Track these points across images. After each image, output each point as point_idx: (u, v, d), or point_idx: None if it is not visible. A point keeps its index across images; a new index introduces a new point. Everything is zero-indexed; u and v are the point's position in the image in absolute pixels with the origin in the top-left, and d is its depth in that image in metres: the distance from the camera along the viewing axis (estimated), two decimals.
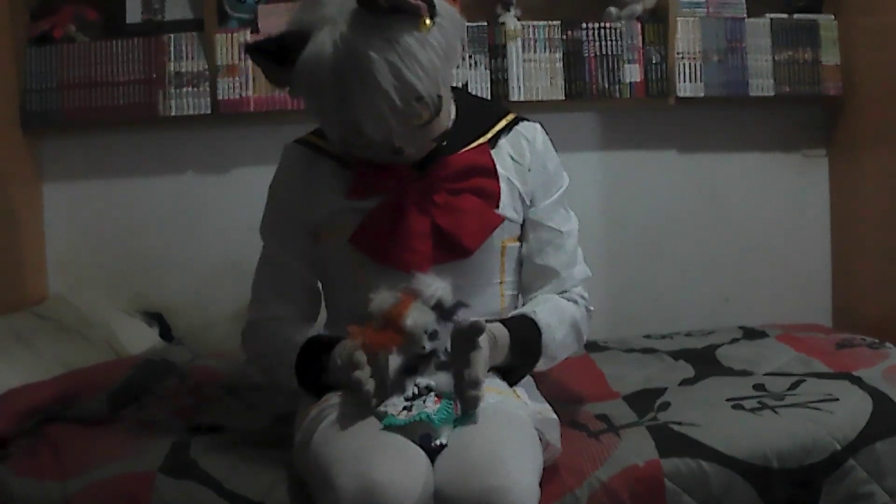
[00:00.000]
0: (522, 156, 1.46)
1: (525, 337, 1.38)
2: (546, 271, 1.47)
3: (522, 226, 1.48)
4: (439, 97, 1.27)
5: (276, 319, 1.45)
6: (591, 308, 1.51)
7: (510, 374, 1.39)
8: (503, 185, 1.42)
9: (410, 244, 1.35)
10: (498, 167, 1.42)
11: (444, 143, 1.38)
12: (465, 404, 1.21)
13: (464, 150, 1.40)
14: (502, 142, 1.46)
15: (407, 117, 1.24)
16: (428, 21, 1.21)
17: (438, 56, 1.24)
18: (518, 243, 1.48)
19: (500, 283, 1.46)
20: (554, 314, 1.43)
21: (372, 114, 1.22)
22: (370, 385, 1.20)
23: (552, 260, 1.47)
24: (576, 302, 1.48)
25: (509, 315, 1.43)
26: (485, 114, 1.47)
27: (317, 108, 1.28)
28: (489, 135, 1.44)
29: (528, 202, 1.46)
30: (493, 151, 1.43)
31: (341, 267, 1.43)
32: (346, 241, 1.38)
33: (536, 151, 1.47)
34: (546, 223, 1.47)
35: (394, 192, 1.37)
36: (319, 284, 1.51)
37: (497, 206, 1.41)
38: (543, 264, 1.47)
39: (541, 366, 1.43)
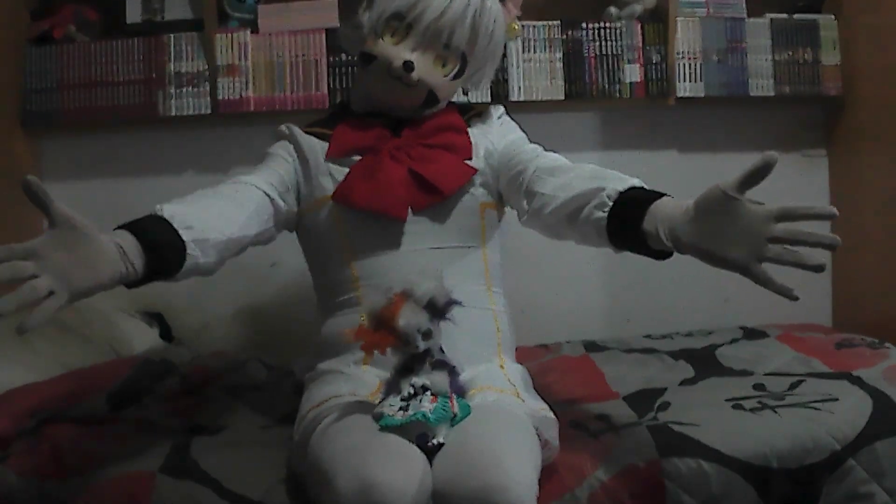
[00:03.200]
0: (489, 125, 1.59)
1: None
2: (556, 170, 1.41)
3: (500, 196, 1.55)
4: (462, 70, 1.48)
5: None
6: None
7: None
8: (477, 149, 1.54)
9: (390, 190, 1.44)
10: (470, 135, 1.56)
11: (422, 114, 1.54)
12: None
13: (433, 112, 1.55)
14: (472, 123, 1.60)
15: (437, 63, 1.46)
16: (516, 25, 1.54)
17: (498, 48, 1.53)
18: (496, 210, 1.55)
19: (483, 247, 1.51)
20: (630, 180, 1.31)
21: (441, 11, 1.41)
22: None
23: (550, 161, 1.46)
24: None
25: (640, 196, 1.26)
26: (461, 105, 1.64)
27: None
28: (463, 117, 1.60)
29: (497, 161, 1.54)
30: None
31: (327, 233, 1.49)
32: (329, 199, 1.47)
33: (497, 115, 1.63)
34: (531, 156, 1.49)
35: (372, 149, 1.49)
36: (310, 277, 1.58)
37: (468, 156, 1.52)
38: (550, 166, 1.43)
39: None
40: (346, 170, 1.50)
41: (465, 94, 1.77)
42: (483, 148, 1.55)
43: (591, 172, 1.35)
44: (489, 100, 2.26)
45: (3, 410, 1.57)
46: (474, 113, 1.63)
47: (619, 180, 1.27)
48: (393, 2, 1.45)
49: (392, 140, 1.51)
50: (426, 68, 1.46)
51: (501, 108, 1.66)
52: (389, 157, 1.48)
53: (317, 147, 1.55)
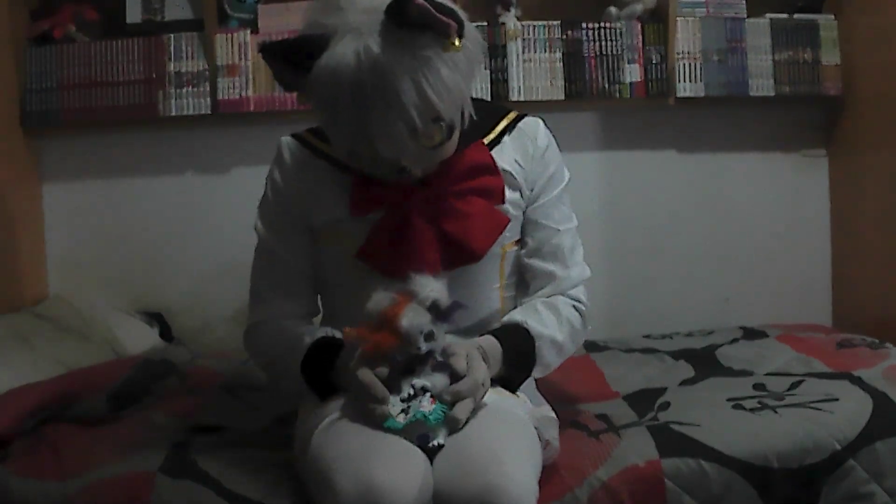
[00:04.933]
0: (525, 156, 1.43)
1: (518, 347, 1.36)
2: (543, 273, 1.44)
3: (522, 225, 1.46)
4: (452, 125, 1.26)
5: (279, 319, 1.44)
6: (586, 310, 1.47)
7: (506, 383, 1.36)
8: (507, 184, 1.40)
9: (418, 255, 1.31)
10: (502, 165, 1.39)
11: None
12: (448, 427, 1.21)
13: (463, 150, 1.36)
14: (506, 140, 1.43)
15: (422, 138, 1.22)
16: (457, 41, 1.18)
17: (463, 78, 1.22)
18: (517, 247, 1.46)
19: (500, 286, 1.45)
20: (548, 321, 1.40)
21: (388, 132, 1.19)
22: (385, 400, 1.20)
23: (550, 262, 1.44)
24: (572, 305, 1.45)
25: (502, 322, 1.41)
26: (486, 114, 1.40)
27: (328, 118, 1.24)
28: (492, 135, 1.42)
29: (529, 201, 1.44)
30: (496, 150, 1.40)
31: (342, 274, 1.41)
32: (349, 253, 1.35)
33: (539, 149, 1.43)
34: (544, 221, 1.44)
35: (397, 203, 1.33)
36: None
37: (502, 203, 1.39)
38: (541, 266, 1.44)
39: (536, 373, 1.41)
40: (369, 217, 1.35)
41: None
42: (517, 192, 1.42)
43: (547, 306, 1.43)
44: (488, 99, 2.26)
45: (3, 410, 1.57)
46: (504, 128, 1.44)
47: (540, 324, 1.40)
48: (346, 140, 1.25)
49: (418, 192, 1.33)
50: (420, 157, 1.26)
51: (541, 132, 1.45)
52: (417, 215, 1.33)
53: (324, 170, 1.40)
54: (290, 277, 1.45)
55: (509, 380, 1.37)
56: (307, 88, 1.21)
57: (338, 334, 1.40)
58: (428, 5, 1.14)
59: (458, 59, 1.20)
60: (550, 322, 1.40)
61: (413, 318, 1.19)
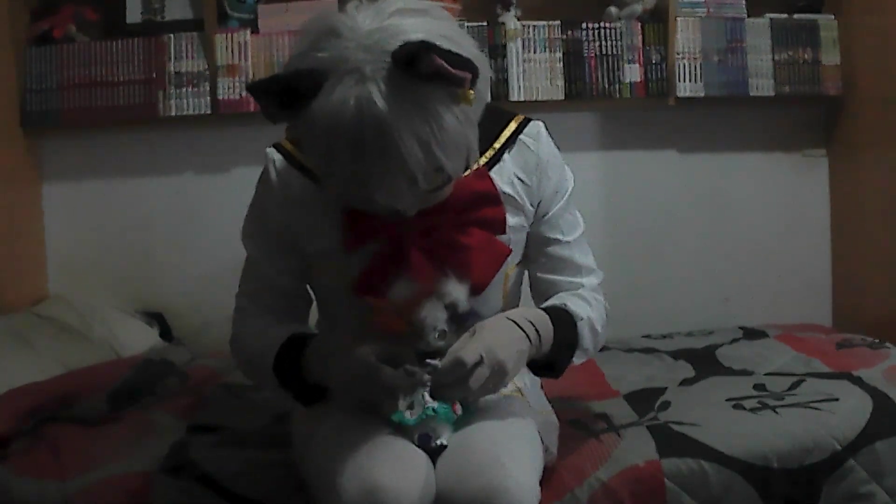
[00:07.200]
0: (527, 168, 1.33)
1: (563, 326, 1.28)
2: (561, 285, 1.38)
3: (527, 242, 1.38)
4: (449, 175, 1.15)
5: (259, 328, 1.35)
6: (606, 312, 1.41)
7: (549, 367, 1.29)
8: (508, 208, 1.30)
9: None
10: (503, 187, 1.30)
11: None
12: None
13: (463, 176, 1.23)
14: (507, 158, 1.32)
15: (422, 187, 1.11)
16: (471, 92, 1.07)
17: (471, 127, 1.13)
18: (518, 269, 1.40)
19: (502, 308, 1.37)
20: (584, 307, 1.34)
21: (387, 184, 1.09)
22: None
23: (565, 274, 1.38)
24: (600, 304, 1.40)
25: (542, 306, 1.33)
26: (486, 127, 1.21)
27: (320, 162, 1.13)
28: (491, 152, 1.31)
29: (533, 216, 1.36)
30: (496, 169, 1.30)
31: (339, 299, 1.35)
32: (344, 283, 1.27)
33: (541, 160, 1.33)
34: (552, 235, 1.36)
35: (392, 236, 1.24)
36: (311, 292, 1.43)
37: (503, 233, 1.30)
38: (558, 279, 1.38)
39: (576, 359, 1.33)
40: (363, 250, 1.26)
41: None
42: (521, 214, 1.33)
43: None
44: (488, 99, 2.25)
45: (3, 410, 1.58)
46: (503, 145, 1.32)
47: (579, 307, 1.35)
48: (338, 184, 1.15)
49: (414, 222, 1.21)
50: (417, 201, 1.16)
51: (542, 144, 1.34)
52: (414, 248, 1.23)
53: (312, 193, 1.29)
54: (272, 293, 1.36)
55: (555, 361, 1.28)
56: (298, 128, 1.12)
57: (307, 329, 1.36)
58: (443, 62, 1.03)
59: (469, 109, 1.10)
60: (587, 309, 1.35)
61: (429, 312, 1.19)
